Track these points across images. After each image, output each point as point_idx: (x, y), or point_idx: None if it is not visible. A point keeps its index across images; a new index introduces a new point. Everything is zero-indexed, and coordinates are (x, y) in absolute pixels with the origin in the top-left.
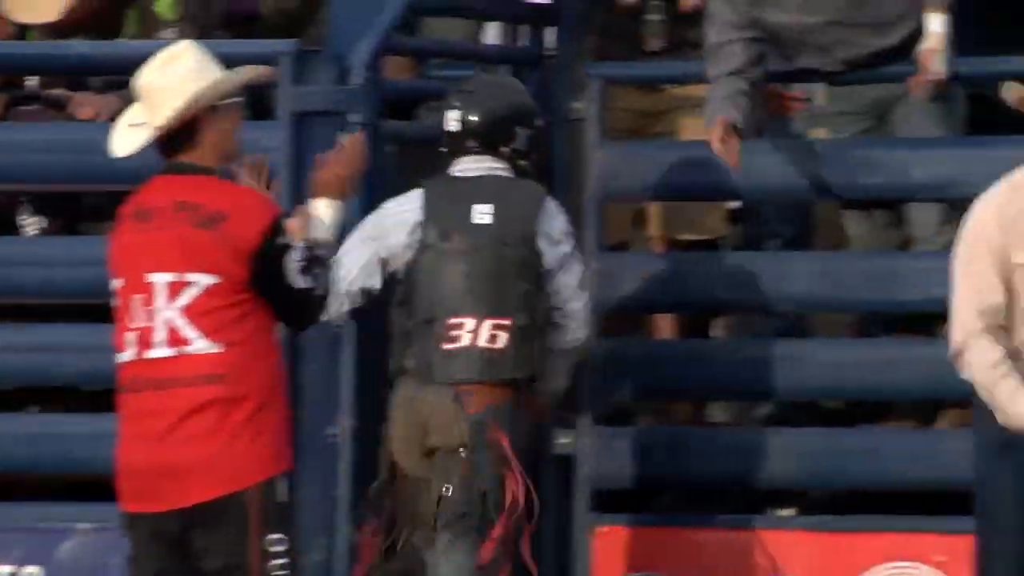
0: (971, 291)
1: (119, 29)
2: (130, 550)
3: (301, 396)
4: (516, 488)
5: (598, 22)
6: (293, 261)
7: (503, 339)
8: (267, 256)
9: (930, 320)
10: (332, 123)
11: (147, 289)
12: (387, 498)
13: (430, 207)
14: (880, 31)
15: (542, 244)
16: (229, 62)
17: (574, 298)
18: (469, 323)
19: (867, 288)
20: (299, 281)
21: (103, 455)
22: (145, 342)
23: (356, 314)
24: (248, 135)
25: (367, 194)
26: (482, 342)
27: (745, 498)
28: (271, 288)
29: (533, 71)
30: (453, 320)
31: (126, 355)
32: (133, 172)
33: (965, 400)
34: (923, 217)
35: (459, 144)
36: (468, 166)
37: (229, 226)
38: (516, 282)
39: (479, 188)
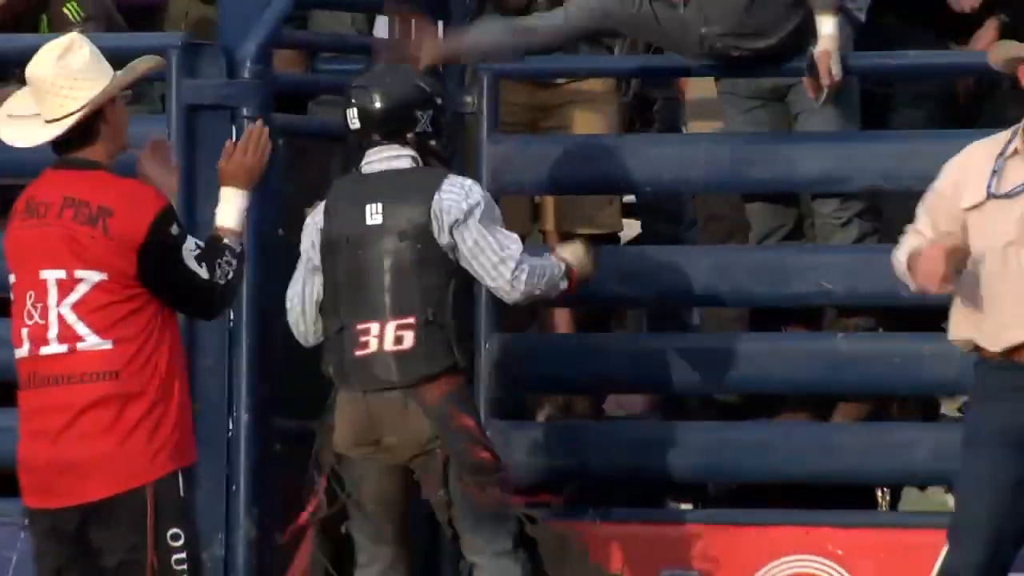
0: (919, 217)
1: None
2: (33, 546)
3: (197, 391)
4: (491, 461)
5: (488, 15)
6: (187, 251)
7: (409, 338)
8: (156, 249)
9: (822, 314)
10: (222, 116)
11: (39, 286)
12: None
13: (330, 212)
14: (763, 36)
15: (443, 232)
16: (120, 55)
17: (500, 267)
18: (374, 328)
19: (761, 282)
20: (198, 269)
21: (4, 449)
22: (39, 339)
23: (253, 309)
24: (138, 128)
25: (259, 188)
26: (389, 345)
27: (644, 492)
28: (165, 280)
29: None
30: (360, 326)
31: (22, 351)
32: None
33: (859, 394)
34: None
35: (364, 139)
36: (373, 159)
37: (114, 222)
38: (417, 277)
39: (374, 186)
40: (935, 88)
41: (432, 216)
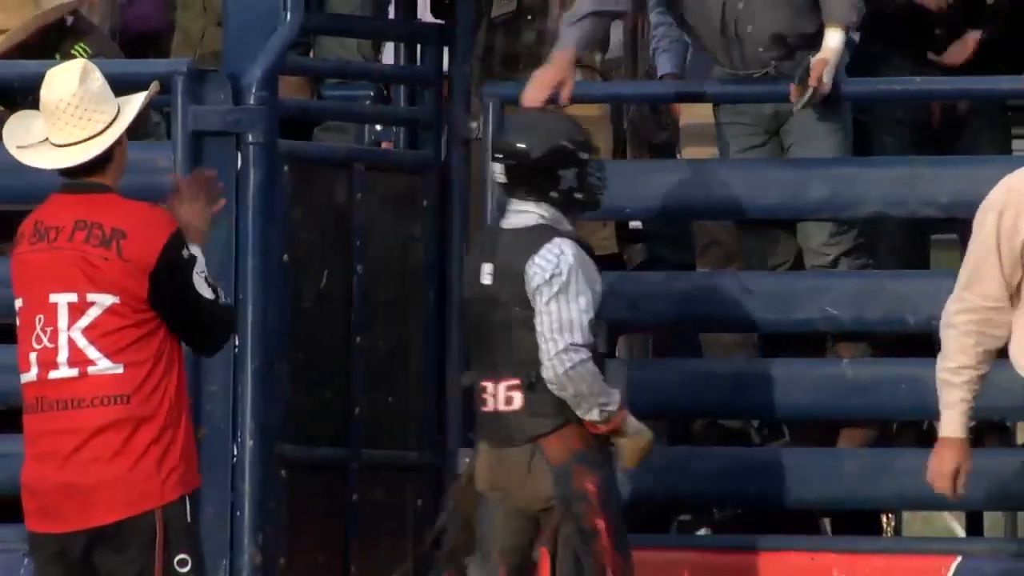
0: (970, 263)
1: None
2: (35, 571)
3: (202, 416)
4: (605, 530)
5: (480, 43)
6: (197, 273)
7: (518, 400)
8: (167, 271)
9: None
10: (227, 143)
11: (49, 309)
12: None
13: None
14: (780, 31)
15: (531, 296)
16: (125, 81)
17: (549, 342)
18: (490, 386)
19: (767, 308)
20: (206, 291)
21: (7, 476)
22: (48, 363)
23: (259, 334)
24: (144, 154)
25: (264, 214)
26: (501, 405)
27: (650, 517)
28: (176, 304)
29: (430, 91)
30: (482, 383)
31: (29, 376)
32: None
33: (864, 420)
34: (814, 228)
35: (511, 193)
36: (510, 212)
37: (128, 244)
38: (521, 340)
39: (496, 244)
40: (908, 114)
41: (525, 279)
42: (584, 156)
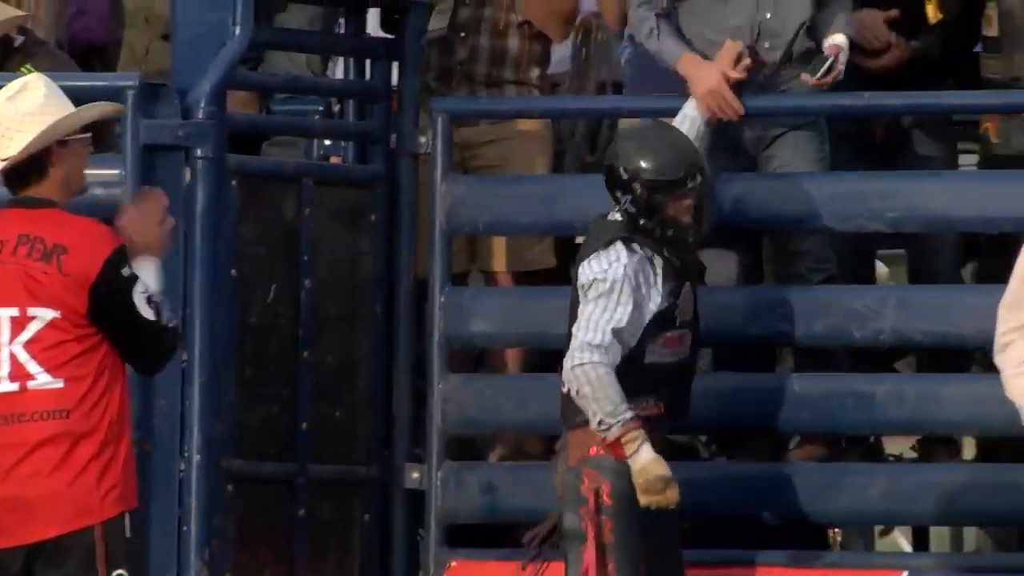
0: (1013, 283)
1: None
2: None
3: (149, 431)
4: (592, 540)
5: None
6: (138, 293)
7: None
8: (108, 289)
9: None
10: (176, 157)
11: None
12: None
13: None
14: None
15: (579, 292)
16: (73, 95)
17: (573, 340)
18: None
19: (714, 321)
20: (146, 311)
21: None
22: None
23: (206, 349)
24: (93, 168)
25: (213, 229)
26: (561, 386)
27: None
28: (116, 321)
29: (379, 105)
30: None
31: None
32: None
33: (811, 433)
34: (796, 253)
35: None
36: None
37: (69, 259)
38: (572, 326)
39: (587, 231)
40: (852, 129)
41: (580, 274)
42: (637, 189)
